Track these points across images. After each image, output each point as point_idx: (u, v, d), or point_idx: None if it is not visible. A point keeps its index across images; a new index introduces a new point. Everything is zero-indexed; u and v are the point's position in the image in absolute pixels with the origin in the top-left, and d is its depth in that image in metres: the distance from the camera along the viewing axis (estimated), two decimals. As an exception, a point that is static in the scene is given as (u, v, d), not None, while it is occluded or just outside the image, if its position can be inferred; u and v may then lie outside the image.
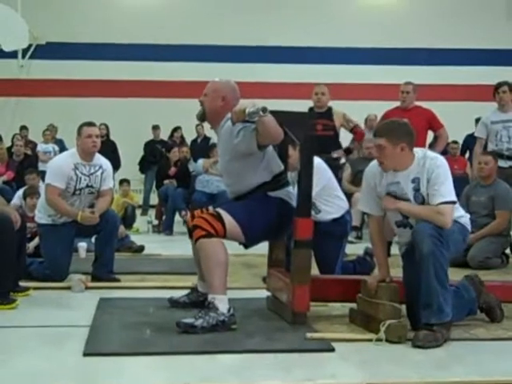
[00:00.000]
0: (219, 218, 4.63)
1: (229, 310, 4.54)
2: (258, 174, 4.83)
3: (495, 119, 8.39)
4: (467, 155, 13.41)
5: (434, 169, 4.41)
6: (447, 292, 4.32)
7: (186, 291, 5.34)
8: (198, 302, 5.07)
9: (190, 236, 4.90)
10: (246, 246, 4.95)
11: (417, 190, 4.46)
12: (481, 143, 8.59)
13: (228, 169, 4.96)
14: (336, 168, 8.11)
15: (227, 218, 4.65)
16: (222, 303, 4.53)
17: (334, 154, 8.47)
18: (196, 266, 5.10)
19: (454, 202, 4.40)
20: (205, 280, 4.83)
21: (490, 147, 8.40)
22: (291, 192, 4.99)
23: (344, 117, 8.61)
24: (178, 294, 5.34)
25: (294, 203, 4.90)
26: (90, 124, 6.47)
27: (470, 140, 13.36)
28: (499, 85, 8.43)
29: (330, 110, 8.53)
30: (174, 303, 5.26)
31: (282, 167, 5.03)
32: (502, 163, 8.22)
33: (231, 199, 5.03)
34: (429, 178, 4.41)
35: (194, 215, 4.98)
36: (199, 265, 4.95)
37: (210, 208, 4.93)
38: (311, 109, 8.50)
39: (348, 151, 9.32)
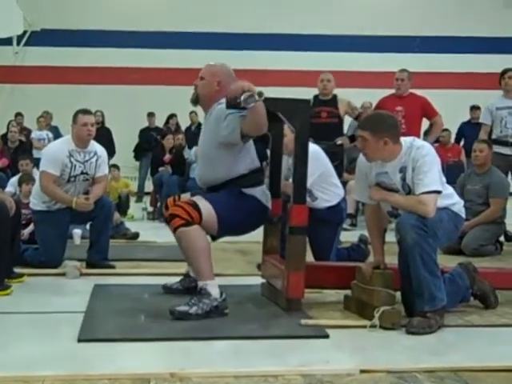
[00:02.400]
0: (195, 206, 4.57)
1: (221, 295, 4.55)
2: (236, 166, 4.78)
3: (500, 105, 8.37)
4: (462, 143, 13.44)
5: (419, 158, 4.40)
6: (438, 279, 4.33)
7: (180, 278, 5.34)
8: (191, 287, 5.07)
9: (167, 223, 4.88)
10: (214, 238, 4.93)
11: (404, 179, 4.46)
12: (485, 129, 8.56)
13: (207, 155, 4.89)
14: (338, 154, 8.15)
15: (204, 206, 4.59)
16: (213, 288, 4.53)
17: (339, 141, 8.50)
18: (181, 251, 5.11)
19: (437, 192, 4.37)
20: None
21: (495, 133, 8.39)
22: (266, 192, 4.94)
23: (349, 104, 8.66)
24: (172, 280, 5.35)
25: (268, 204, 4.90)
26: (86, 112, 6.43)
27: (466, 128, 13.39)
28: (505, 71, 8.42)
29: (335, 97, 8.58)
30: (167, 290, 5.27)
31: (259, 165, 4.98)
32: (507, 150, 8.23)
33: (203, 190, 4.96)
34: (414, 167, 4.40)
35: (167, 205, 4.97)
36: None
37: (184, 196, 4.91)
38: (316, 96, 8.52)
39: (352, 138, 9.33)
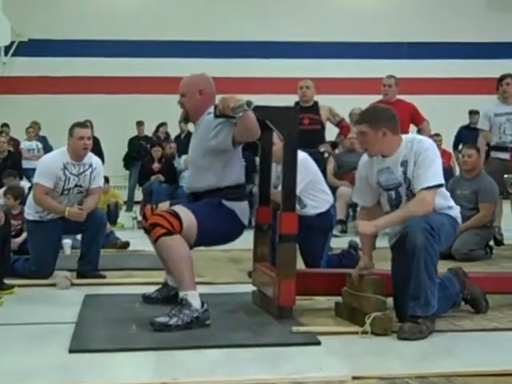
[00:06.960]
0: (176, 215, 4.55)
1: (202, 306, 4.49)
2: (224, 176, 4.78)
3: (499, 111, 8.37)
4: (460, 147, 13.43)
5: (421, 152, 4.40)
6: (435, 285, 4.33)
7: (158, 287, 5.34)
8: (170, 296, 5.09)
9: (146, 232, 4.94)
10: (191, 247, 4.83)
11: (405, 173, 4.45)
12: (484, 135, 8.57)
13: (196, 163, 4.91)
14: (321, 161, 8.14)
15: (185, 215, 4.58)
16: (194, 299, 4.47)
17: (322, 148, 8.51)
18: (161, 260, 5.09)
19: (438, 186, 4.39)
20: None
21: (494, 140, 8.40)
22: (246, 209, 4.93)
23: (330, 111, 8.68)
24: (152, 290, 5.33)
25: (245, 221, 4.89)
26: (83, 125, 6.42)
27: (464, 132, 13.28)
28: (503, 77, 8.42)
29: (316, 104, 8.60)
30: (146, 299, 5.24)
31: (244, 181, 4.97)
32: (506, 155, 8.24)
33: (187, 195, 5.01)
34: (416, 160, 4.40)
35: (145, 215, 4.96)
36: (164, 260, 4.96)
37: (161, 205, 4.90)
38: (297, 103, 8.53)
39: (334, 145, 9.36)
